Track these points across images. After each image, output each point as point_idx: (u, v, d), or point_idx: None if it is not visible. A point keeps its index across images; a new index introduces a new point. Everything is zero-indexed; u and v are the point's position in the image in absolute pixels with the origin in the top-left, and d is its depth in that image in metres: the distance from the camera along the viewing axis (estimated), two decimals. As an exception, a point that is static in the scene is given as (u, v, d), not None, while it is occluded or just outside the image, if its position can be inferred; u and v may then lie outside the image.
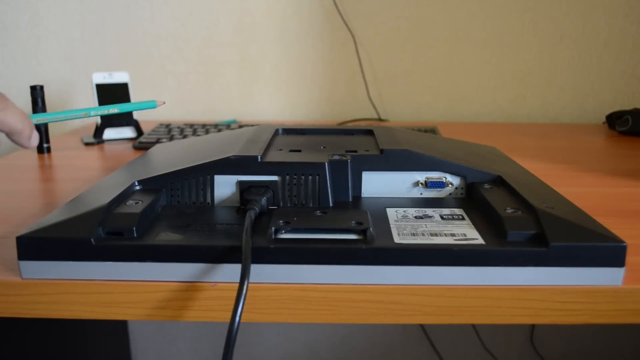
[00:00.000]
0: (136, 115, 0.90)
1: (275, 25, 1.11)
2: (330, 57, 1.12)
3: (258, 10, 1.10)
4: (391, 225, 0.41)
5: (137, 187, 0.45)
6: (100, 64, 1.13)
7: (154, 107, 0.46)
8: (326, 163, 0.45)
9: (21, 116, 0.36)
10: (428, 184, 0.47)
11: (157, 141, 0.83)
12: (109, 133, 0.88)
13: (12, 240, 0.43)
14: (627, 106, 1.09)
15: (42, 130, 0.80)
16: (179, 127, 0.92)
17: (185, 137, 0.86)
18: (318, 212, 0.42)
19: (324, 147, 0.51)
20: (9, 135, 0.35)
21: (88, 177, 0.65)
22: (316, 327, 1.22)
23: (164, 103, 0.47)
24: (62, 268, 0.38)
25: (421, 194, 0.48)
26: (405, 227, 0.40)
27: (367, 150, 0.49)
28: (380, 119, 1.12)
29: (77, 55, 1.12)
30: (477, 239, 0.38)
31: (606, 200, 0.56)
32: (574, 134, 0.95)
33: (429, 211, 0.44)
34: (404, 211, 0.44)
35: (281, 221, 0.39)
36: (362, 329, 1.22)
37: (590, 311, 0.37)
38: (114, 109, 0.43)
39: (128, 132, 0.89)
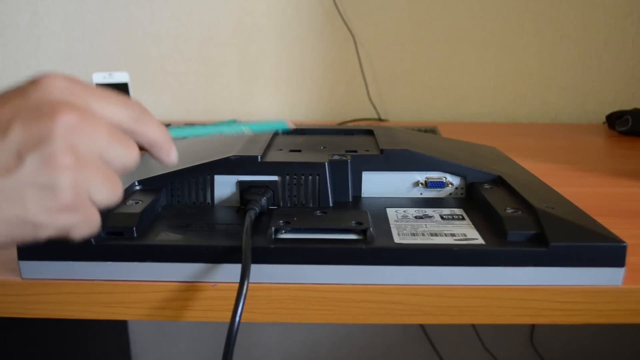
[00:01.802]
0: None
1: (275, 25, 1.11)
2: (330, 57, 1.12)
3: (258, 10, 1.10)
4: (391, 225, 0.40)
5: (137, 187, 0.45)
6: (100, 64, 1.13)
7: (287, 130, 0.43)
8: (326, 163, 0.45)
9: (162, 129, 0.34)
10: (428, 184, 0.47)
11: (157, 141, 0.83)
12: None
13: (12, 240, 0.43)
14: (627, 106, 1.09)
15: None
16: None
17: (185, 137, 0.85)
18: (318, 212, 0.42)
19: (324, 147, 0.51)
20: (149, 148, 0.33)
21: (88, 177, 0.65)
22: (316, 327, 1.22)
23: (294, 127, 0.43)
24: (62, 268, 0.38)
25: (421, 194, 0.48)
26: (405, 227, 0.40)
27: (367, 150, 0.49)
28: (380, 119, 1.12)
29: (77, 55, 1.12)
30: (477, 239, 0.38)
31: (606, 200, 0.56)
32: (574, 134, 0.95)
33: (429, 211, 0.44)
34: (404, 211, 0.44)
35: (281, 221, 0.39)
36: (362, 329, 1.22)
37: (590, 311, 0.37)
38: (246, 128, 0.40)
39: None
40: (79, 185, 0.29)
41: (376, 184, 0.48)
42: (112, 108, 0.31)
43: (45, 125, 0.28)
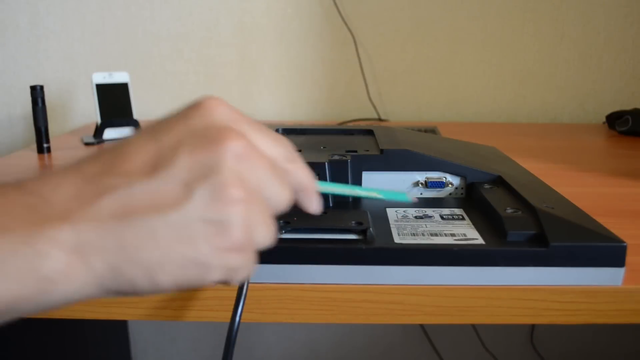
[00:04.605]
0: (136, 115, 0.90)
1: (275, 25, 1.11)
2: (330, 57, 1.12)
3: (258, 10, 1.10)
4: (391, 225, 0.40)
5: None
6: (100, 64, 1.13)
7: (407, 202, 0.44)
8: (326, 163, 0.45)
9: (310, 174, 0.31)
10: (428, 184, 0.47)
11: (157, 141, 0.83)
12: (109, 133, 0.88)
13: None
14: (627, 106, 1.09)
15: (42, 130, 0.80)
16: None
17: (185, 137, 0.85)
18: (318, 212, 0.42)
19: (324, 147, 0.51)
20: (296, 192, 0.31)
21: (88, 177, 0.65)
22: (316, 327, 1.22)
23: (417, 200, 0.45)
24: (62, 268, 0.38)
25: (421, 194, 0.48)
26: (405, 227, 0.40)
27: (367, 150, 0.49)
28: (380, 119, 1.12)
29: (77, 55, 1.12)
30: (477, 239, 0.38)
31: (606, 200, 0.56)
32: (574, 134, 0.95)
33: (429, 211, 0.44)
34: (404, 211, 0.44)
35: (281, 221, 0.39)
36: (362, 329, 1.22)
37: (590, 311, 0.37)
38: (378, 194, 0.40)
39: (128, 132, 0.89)
40: (247, 222, 0.26)
41: (376, 184, 0.48)
42: (269, 142, 0.29)
43: (213, 153, 0.26)
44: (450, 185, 0.48)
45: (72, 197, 0.25)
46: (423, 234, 0.39)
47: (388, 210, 0.44)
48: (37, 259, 0.23)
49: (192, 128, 0.27)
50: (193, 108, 0.28)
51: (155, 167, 0.25)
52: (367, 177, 0.48)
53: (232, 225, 0.25)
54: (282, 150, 0.30)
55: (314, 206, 0.32)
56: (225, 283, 0.28)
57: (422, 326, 1.19)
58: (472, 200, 0.47)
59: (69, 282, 0.24)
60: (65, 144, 0.87)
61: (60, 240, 0.24)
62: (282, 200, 0.29)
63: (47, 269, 0.23)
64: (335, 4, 1.08)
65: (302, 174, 0.31)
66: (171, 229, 0.25)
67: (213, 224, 0.25)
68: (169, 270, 0.25)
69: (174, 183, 0.25)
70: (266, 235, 0.28)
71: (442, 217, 0.42)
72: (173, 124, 0.27)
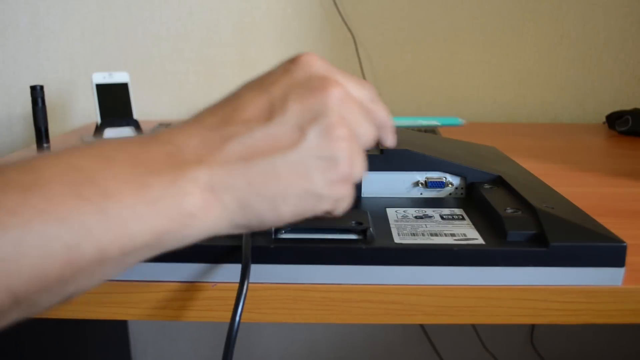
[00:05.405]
0: (136, 115, 0.90)
1: (275, 25, 1.11)
2: (330, 57, 1.12)
3: (258, 10, 1.10)
4: (391, 225, 0.41)
5: (137, 187, 0.45)
6: (100, 64, 1.13)
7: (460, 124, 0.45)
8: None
9: (388, 112, 0.36)
10: (428, 184, 0.47)
11: (157, 141, 0.83)
12: (109, 133, 0.88)
13: (12, 240, 0.42)
14: (627, 106, 1.09)
15: (42, 130, 0.80)
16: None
17: (185, 137, 0.85)
18: (318, 212, 0.42)
19: (324, 147, 0.51)
20: (377, 129, 0.34)
21: (88, 177, 0.65)
22: (316, 327, 1.22)
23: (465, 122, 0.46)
24: (62, 268, 0.38)
25: (421, 194, 0.48)
26: (405, 227, 0.40)
27: (367, 150, 0.49)
28: (380, 119, 1.12)
29: (77, 55, 1.12)
30: (477, 239, 0.38)
31: (606, 200, 0.56)
32: (574, 134, 0.95)
33: (429, 211, 0.44)
34: (404, 211, 0.44)
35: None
36: (362, 329, 1.22)
37: (590, 311, 0.37)
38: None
39: (128, 132, 0.89)
40: (350, 156, 0.30)
41: (376, 184, 0.48)
42: (357, 87, 0.33)
43: (319, 99, 0.29)
44: (450, 185, 0.48)
45: (201, 144, 0.28)
46: (423, 234, 0.39)
47: (388, 210, 0.44)
48: (182, 196, 0.27)
49: (296, 80, 0.30)
50: (292, 62, 0.31)
51: (270, 114, 0.29)
52: (367, 177, 0.48)
53: (340, 159, 0.29)
54: (367, 93, 0.33)
55: (392, 140, 0.36)
56: (330, 213, 0.31)
57: (422, 326, 1.19)
58: (472, 200, 0.47)
59: (206, 217, 0.28)
60: (65, 144, 0.87)
61: (199, 180, 0.27)
62: (370, 137, 0.32)
63: (190, 204, 0.27)
64: (335, 4, 1.08)
65: (382, 113, 0.35)
66: (290, 166, 0.29)
67: (325, 159, 0.29)
68: (290, 201, 0.29)
69: (289, 127, 0.29)
70: (361, 167, 0.31)
71: (442, 217, 0.42)
72: (277, 77, 0.31)
